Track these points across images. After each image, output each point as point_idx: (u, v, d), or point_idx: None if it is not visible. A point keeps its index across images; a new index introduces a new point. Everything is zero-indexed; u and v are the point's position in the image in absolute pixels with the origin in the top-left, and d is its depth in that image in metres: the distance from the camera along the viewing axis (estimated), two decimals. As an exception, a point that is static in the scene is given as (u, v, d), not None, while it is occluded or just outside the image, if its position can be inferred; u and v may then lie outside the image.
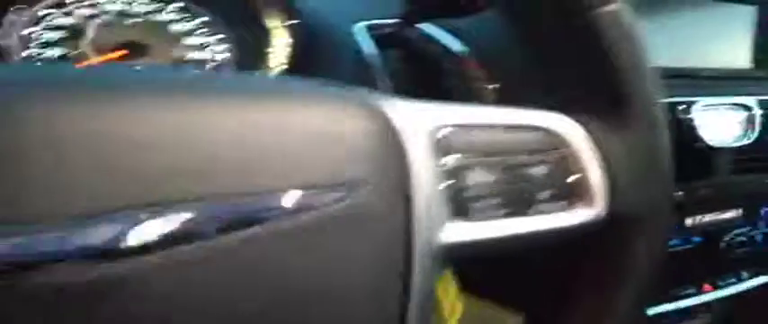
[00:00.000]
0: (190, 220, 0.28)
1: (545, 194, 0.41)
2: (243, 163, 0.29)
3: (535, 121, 0.42)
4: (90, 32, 0.63)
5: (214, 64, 0.69)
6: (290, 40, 0.68)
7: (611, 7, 0.44)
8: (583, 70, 0.45)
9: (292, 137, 0.31)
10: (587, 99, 0.45)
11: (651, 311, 0.86)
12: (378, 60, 0.69)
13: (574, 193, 0.42)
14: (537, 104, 0.46)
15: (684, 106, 0.81)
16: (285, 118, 0.32)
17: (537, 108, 0.44)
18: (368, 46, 0.69)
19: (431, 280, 0.37)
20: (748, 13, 0.92)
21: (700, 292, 0.91)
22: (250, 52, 0.69)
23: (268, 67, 0.68)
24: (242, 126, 0.30)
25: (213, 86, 0.33)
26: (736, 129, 0.86)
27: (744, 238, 0.90)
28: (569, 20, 0.44)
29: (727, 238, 0.89)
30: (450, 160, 0.38)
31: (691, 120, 0.81)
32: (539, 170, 0.41)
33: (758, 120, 0.86)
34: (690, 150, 0.82)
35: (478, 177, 0.39)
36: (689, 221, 0.86)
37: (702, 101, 0.82)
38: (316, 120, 0.32)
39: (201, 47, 0.69)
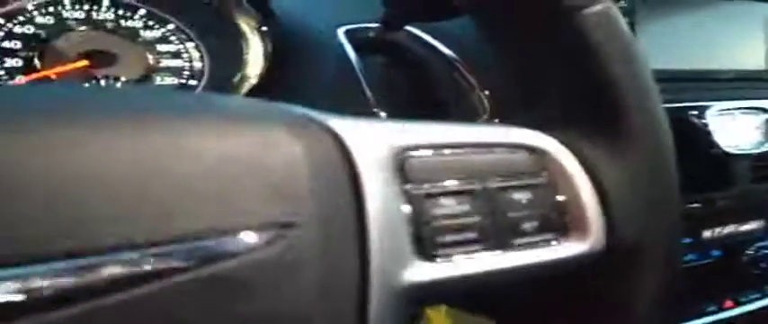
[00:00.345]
0: (82, 276, 0.23)
1: (529, 225, 0.36)
2: (144, 203, 0.25)
3: (515, 140, 0.37)
4: (53, 41, 0.60)
5: (190, 72, 0.65)
6: (266, 47, 0.64)
7: (597, 8, 0.39)
8: (568, 83, 0.40)
9: (208, 167, 0.26)
10: (575, 116, 0.40)
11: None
12: (360, 67, 0.65)
13: (564, 223, 0.37)
14: (526, 118, 0.41)
15: (697, 111, 0.76)
16: (199, 144, 0.27)
17: (522, 123, 0.39)
18: (350, 52, 0.65)
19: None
20: (764, 12, 0.87)
21: (721, 309, 0.85)
22: (226, 60, 0.65)
23: (244, 75, 0.64)
24: (145, 156, 0.25)
25: (116, 106, 0.28)
26: (755, 134, 0.80)
27: (765, 251, 0.84)
28: (549, 24, 0.39)
29: (749, 252, 0.83)
30: (416, 188, 0.33)
31: (705, 125, 0.76)
32: (521, 196, 0.36)
33: (779, 124, 0.81)
34: (705, 158, 0.77)
35: (449, 207, 0.34)
36: (707, 234, 0.80)
37: (717, 105, 0.77)
38: (240, 146, 0.28)
39: (176, 54, 0.65)
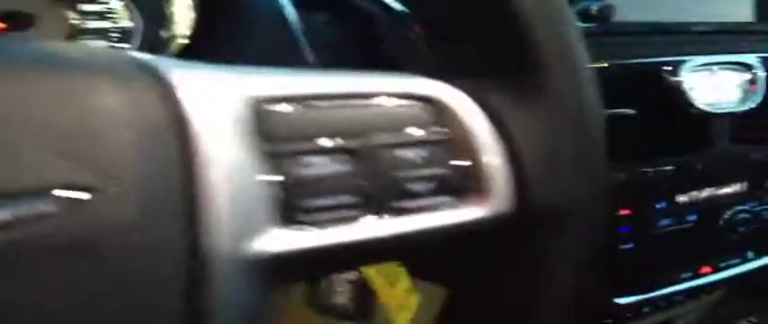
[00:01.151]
0: None
1: (422, 187, 0.32)
2: None
3: (406, 89, 0.33)
4: (-38, 1, 0.55)
5: (120, 33, 0.61)
6: (193, 3, 0.59)
7: None
8: (474, 25, 0.36)
9: None
10: (482, 64, 0.35)
11: (636, 299, 0.77)
12: (300, 25, 0.60)
13: (466, 184, 0.33)
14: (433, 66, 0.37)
15: (672, 67, 0.71)
16: None
17: (426, 72, 0.35)
18: (289, 8, 0.60)
19: (251, 301, 0.28)
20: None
21: (698, 275, 0.81)
22: (153, 17, 0.60)
23: (173, 34, 0.60)
24: None
25: None
26: (735, 91, 0.75)
27: (747, 215, 0.80)
28: None
29: (726, 216, 0.79)
30: (278, 146, 0.28)
31: (679, 82, 0.71)
32: (412, 154, 0.32)
33: (762, 81, 0.75)
34: (680, 118, 0.72)
35: (321, 167, 0.29)
36: (682, 199, 0.76)
37: (694, 60, 0.72)
38: (31, 96, 0.23)
39: (102, 14, 0.61)
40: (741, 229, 0.80)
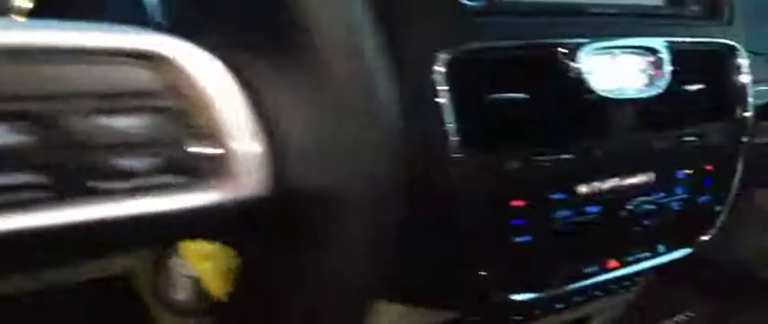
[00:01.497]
0: None
1: (139, 164, 0.27)
2: None
3: (126, 45, 0.28)
4: None
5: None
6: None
7: None
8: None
9: None
10: (254, 38, 0.31)
11: (536, 295, 0.73)
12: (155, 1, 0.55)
13: (204, 164, 0.28)
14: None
15: (568, 50, 0.67)
16: None
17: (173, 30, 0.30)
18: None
19: None
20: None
21: (602, 269, 0.77)
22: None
23: (10, 5, 0.55)
24: None
25: None
26: (639, 77, 0.71)
27: (653, 206, 0.77)
28: None
29: (630, 207, 0.75)
30: None
31: (577, 67, 0.67)
32: (126, 125, 0.27)
33: (667, 66, 0.72)
34: (577, 104, 0.68)
35: None
36: (582, 189, 0.72)
37: (593, 43, 0.68)
38: None
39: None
40: (646, 221, 0.77)
